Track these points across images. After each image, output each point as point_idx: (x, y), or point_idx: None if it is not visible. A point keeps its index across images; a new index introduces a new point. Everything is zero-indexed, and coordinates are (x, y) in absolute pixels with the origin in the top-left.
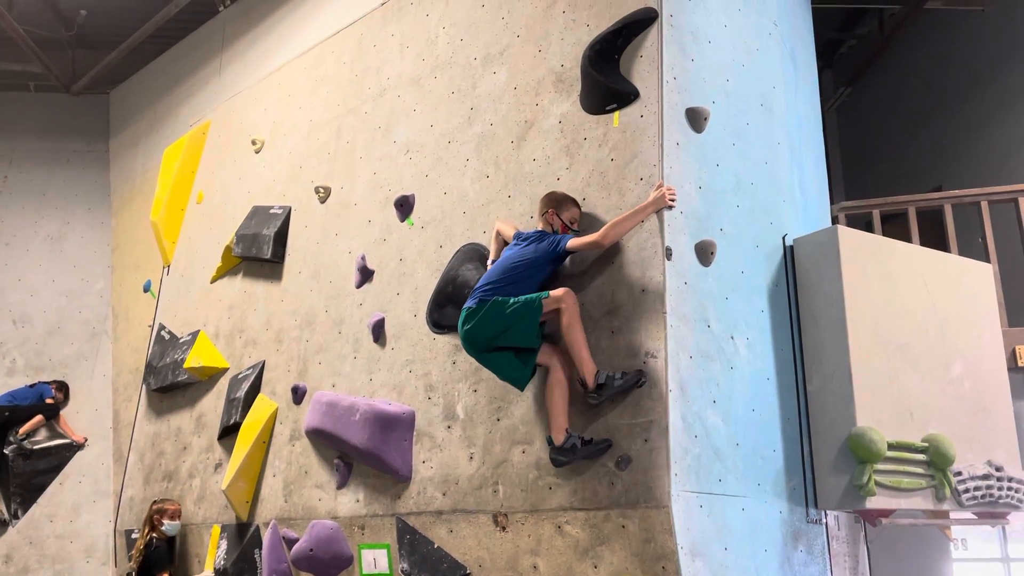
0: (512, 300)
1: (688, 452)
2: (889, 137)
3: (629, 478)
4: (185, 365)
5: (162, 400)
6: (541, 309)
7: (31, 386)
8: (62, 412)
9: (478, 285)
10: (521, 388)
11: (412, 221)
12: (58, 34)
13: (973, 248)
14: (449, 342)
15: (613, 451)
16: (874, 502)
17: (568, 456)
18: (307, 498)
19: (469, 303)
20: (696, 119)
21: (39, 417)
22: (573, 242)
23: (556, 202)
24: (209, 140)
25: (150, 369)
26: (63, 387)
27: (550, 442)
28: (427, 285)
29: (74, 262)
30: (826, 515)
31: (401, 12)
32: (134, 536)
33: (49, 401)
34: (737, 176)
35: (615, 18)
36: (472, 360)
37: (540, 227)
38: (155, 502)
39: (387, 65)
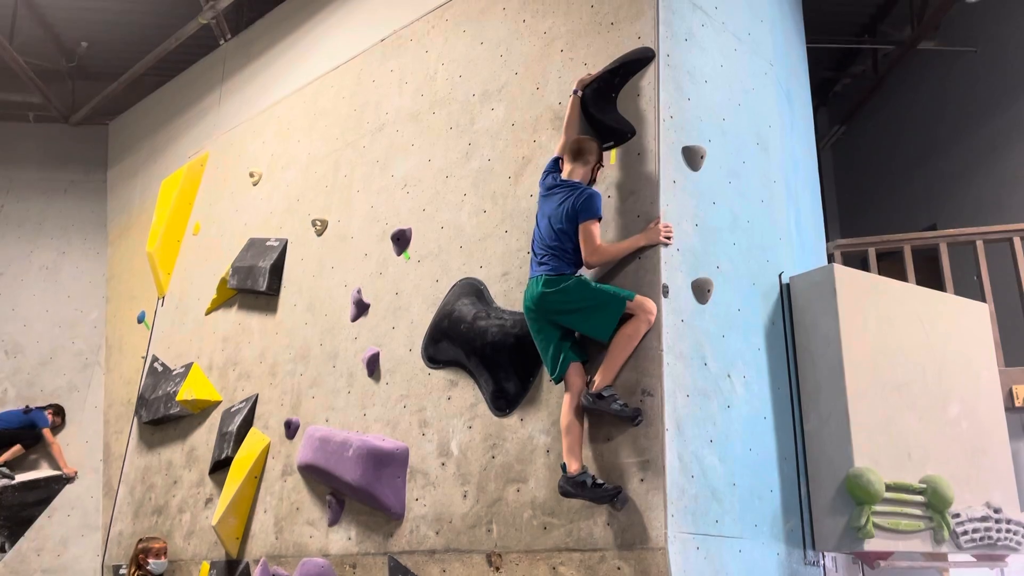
0: (596, 285)
1: (685, 492)
2: (883, 175)
3: (625, 518)
4: (178, 398)
5: (153, 433)
6: (624, 308)
7: (25, 411)
8: (57, 439)
9: (540, 250)
10: (553, 377)
11: (409, 255)
12: (59, 65)
13: (968, 286)
14: (444, 377)
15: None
16: (872, 544)
17: (576, 490)
18: (298, 535)
19: (544, 271)
20: (693, 157)
21: (17, 447)
22: (581, 230)
23: (596, 152)
24: (207, 172)
25: (142, 401)
26: (60, 411)
27: (564, 469)
28: (423, 320)
29: (68, 292)
30: (824, 557)
31: (400, 48)
32: (121, 572)
33: (46, 431)
34: (734, 214)
35: (613, 57)
36: (468, 396)
37: (574, 176)
38: (140, 540)
39: (386, 100)
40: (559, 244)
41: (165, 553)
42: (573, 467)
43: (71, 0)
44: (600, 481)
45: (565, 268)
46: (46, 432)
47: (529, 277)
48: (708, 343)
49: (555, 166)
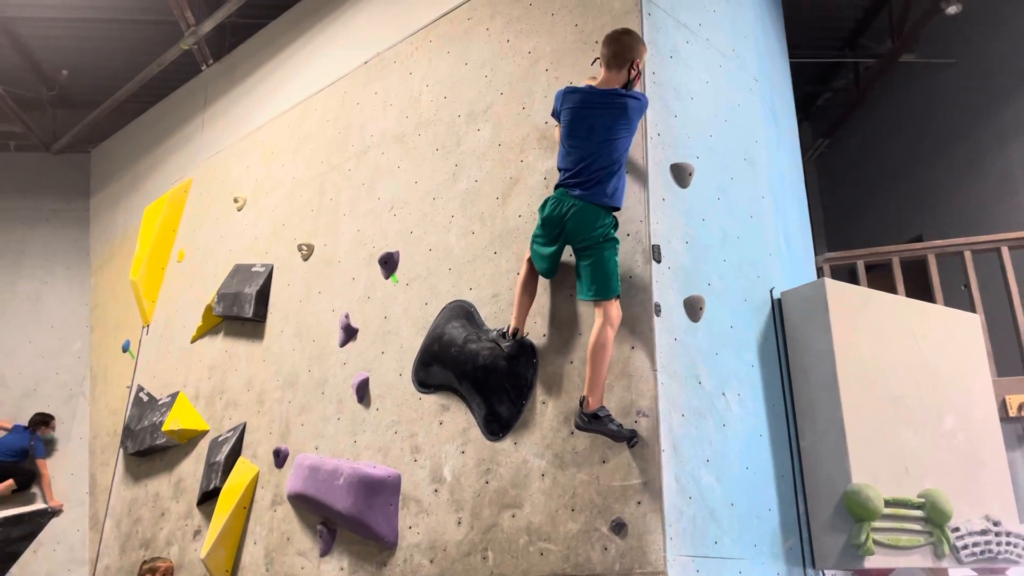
0: (616, 259)
1: (683, 514)
2: (868, 187)
3: (623, 543)
4: (164, 428)
5: (140, 464)
6: (609, 298)
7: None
8: (48, 472)
9: (587, 171)
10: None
11: (397, 278)
12: (39, 94)
13: (956, 297)
14: (436, 402)
15: (606, 515)
16: (873, 561)
17: (592, 424)
18: (289, 566)
19: (582, 191)
20: (681, 174)
21: (9, 482)
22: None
23: (638, 47)
24: (191, 198)
25: (128, 432)
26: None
27: (582, 403)
28: (412, 343)
29: (51, 322)
30: (824, 575)
31: (384, 70)
32: None
33: (41, 462)
34: (723, 230)
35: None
36: (460, 421)
37: (613, 83)
38: (144, 562)
39: (371, 122)
40: (606, 168)
41: (172, 572)
42: (594, 403)
43: (51, 28)
44: (619, 422)
45: (610, 200)
46: (42, 464)
47: (568, 193)
48: (702, 361)
49: (563, 96)
